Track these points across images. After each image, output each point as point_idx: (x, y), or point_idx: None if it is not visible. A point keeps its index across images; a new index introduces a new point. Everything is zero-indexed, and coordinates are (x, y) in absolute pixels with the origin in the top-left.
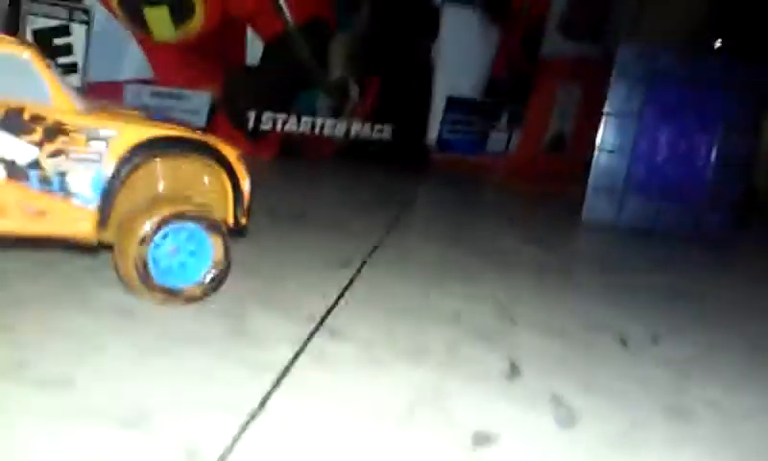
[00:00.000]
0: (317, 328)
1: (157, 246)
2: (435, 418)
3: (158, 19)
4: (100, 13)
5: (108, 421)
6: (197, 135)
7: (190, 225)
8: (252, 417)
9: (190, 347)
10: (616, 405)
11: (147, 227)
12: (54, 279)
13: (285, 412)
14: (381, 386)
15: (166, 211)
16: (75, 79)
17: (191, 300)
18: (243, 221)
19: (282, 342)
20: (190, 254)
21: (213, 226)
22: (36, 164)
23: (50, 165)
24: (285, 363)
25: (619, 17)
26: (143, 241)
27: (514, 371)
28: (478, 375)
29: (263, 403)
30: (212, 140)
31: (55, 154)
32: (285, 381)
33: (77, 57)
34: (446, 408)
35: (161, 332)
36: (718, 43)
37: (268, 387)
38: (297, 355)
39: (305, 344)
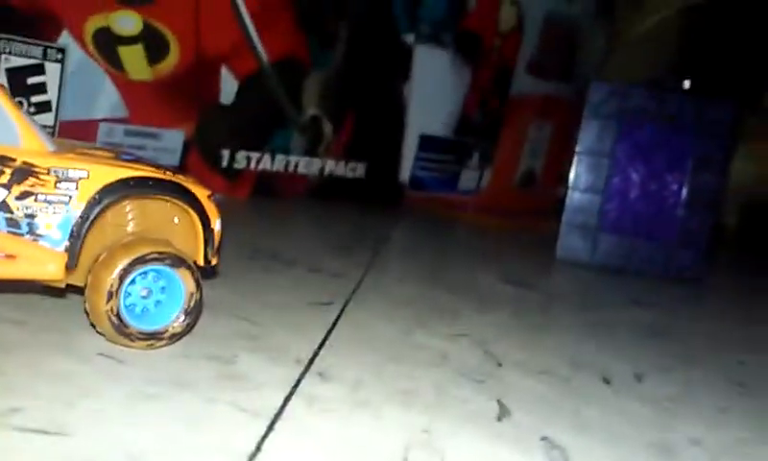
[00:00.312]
0: (306, 371)
1: (128, 294)
2: None
3: (133, 58)
4: (74, 52)
5: None
6: (167, 175)
7: (153, 266)
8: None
9: (179, 390)
10: (607, 445)
11: (110, 282)
12: (36, 323)
13: (281, 456)
14: (374, 429)
15: (125, 261)
16: (49, 117)
17: (175, 336)
18: (213, 261)
19: (272, 385)
20: (162, 291)
21: (176, 260)
22: (4, 207)
23: (18, 207)
24: (277, 406)
25: (589, 58)
26: (110, 297)
27: (503, 411)
28: (468, 416)
29: (259, 447)
30: (182, 180)
31: (23, 196)
32: (278, 425)
33: (51, 95)
34: (439, 450)
35: (148, 376)
36: (687, 83)
37: (260, 431)
38: (288, 398)
39: (295, 387)
